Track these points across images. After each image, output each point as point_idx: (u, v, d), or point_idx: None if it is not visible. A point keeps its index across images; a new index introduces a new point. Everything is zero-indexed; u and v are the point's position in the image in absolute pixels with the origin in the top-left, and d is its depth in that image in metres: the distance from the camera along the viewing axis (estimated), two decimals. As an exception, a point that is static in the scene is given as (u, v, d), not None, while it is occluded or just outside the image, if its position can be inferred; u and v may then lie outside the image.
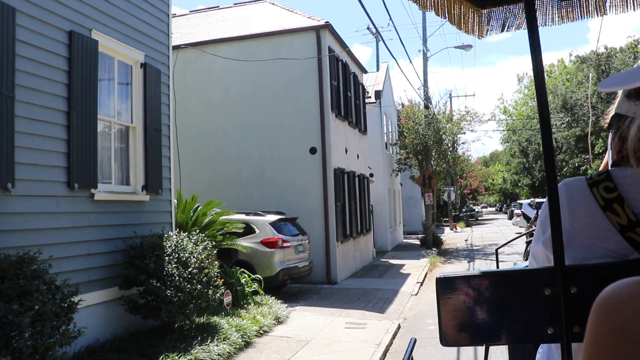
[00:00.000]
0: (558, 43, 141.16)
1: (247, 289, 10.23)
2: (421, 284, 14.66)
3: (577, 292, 1.31)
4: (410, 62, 23.45)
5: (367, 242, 18.95)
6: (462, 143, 27.32)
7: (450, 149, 26.32)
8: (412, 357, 1.91)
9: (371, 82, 25.72)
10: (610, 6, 1.94)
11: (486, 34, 2.16)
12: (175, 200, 10.13)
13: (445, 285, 1.48)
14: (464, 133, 29.50)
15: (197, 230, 9.27)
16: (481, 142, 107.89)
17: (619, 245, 1.29)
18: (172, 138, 9.30)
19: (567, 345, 1.26)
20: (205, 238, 8.51)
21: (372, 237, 21.59)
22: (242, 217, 12.39)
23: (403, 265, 18.43)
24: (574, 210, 1.37)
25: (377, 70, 27.75)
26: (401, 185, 35.18)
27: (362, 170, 18.73)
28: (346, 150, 16.49)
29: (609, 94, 1.23)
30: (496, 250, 5.23)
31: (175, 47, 16.52)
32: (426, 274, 16.54)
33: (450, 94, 50.42)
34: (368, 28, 31.84)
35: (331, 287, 14.03)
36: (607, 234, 1.31)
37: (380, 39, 26.17)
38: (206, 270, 7.83)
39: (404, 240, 29.59)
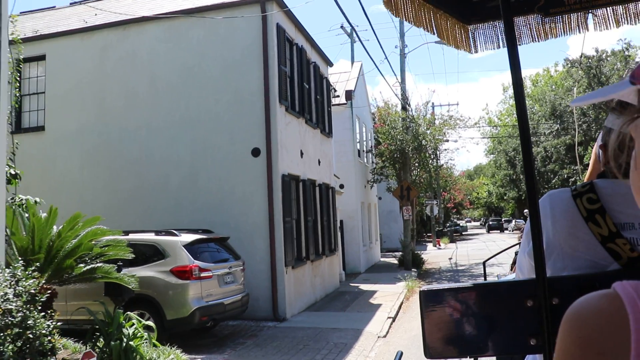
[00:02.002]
0: (537, 60, 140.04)
1: (133, 342, 7.09)
2: (393, 320, 11.60)
3: (558, 303, 1.39)
4: (386, 58, 20.49)
5: (331, 264, 15.87)
6: (445, 150, 24.43)
7: (432, 157, 23.42)
8: None
9: (343, 83, 22.87)
10: (592, 23, 2.07)
11: (474, 50, 2.23)
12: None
13: (429, 298, 1.53)
14: (447, 140, 26.72)
15: (37, 260, 6.14)
16: (466, 149, 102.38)
17: (599, 255, 1.37)
18: (4, 121, 6.21)
19: (549, 356, 1.30)
20: (33, 275, 5.38)
21: (341, 258, 18.53)
22: (149, 237, 9.31)
23: (375, 292, 15.36)
24: (557, 220, 1.44)
25: (352, 67, 24.83)
26: (380, 198, 32.32)
27: (325, 179, 15.71)
28: (302, 154, 13.47)
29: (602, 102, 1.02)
30: (484, 263, 4.95)
31: (93, 29, 13.57)
32: (401, 304, 13.48)
33: (432, 104, 47.81)
34: (342, 27, 29.03)
35: (277, 325, 10.92)
36: (588, 244, 1.38)
37: (356, 35, 23.38)
38: (16, 330, 4.72)
39: (382, 260, 26.54)
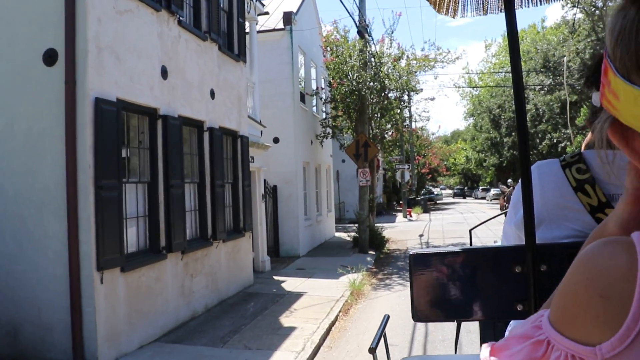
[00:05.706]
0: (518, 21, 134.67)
1: None
2: (301, 368, 6.36)
3: (546, 270, 1.38)
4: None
5: (236, 252, 10.53)
6: (416, 94, 19.03)
7: (399, 104, 18.03)
8: (384, 334, 1.95)
9: (283, 4, 17.28)
10: None
11: (461, 15, 2.10)
12: None
13: (418, 262, 1.52)
14: (421, 90, 21.31)
15: None
16: (444, 94, 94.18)
17: (588, 225, 1.33)
18: None
19: None
20: None
21: (265, 239, 13.23)
22: None
23: (301, 295, 10.13)
24: (546, 191, 1.40)
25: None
26: (343, 161, 27.17)
27: (227, 123, 10.26)
28: (165, 73, 7.96)
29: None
30: (470, 231, 4.79)
31: None
32: (332, 324, 8.26)
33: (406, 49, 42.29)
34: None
35: (70, 387, 5.62)
36: (576, 214, 1.35)
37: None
38: None
39: (336, 235, 21.36)
